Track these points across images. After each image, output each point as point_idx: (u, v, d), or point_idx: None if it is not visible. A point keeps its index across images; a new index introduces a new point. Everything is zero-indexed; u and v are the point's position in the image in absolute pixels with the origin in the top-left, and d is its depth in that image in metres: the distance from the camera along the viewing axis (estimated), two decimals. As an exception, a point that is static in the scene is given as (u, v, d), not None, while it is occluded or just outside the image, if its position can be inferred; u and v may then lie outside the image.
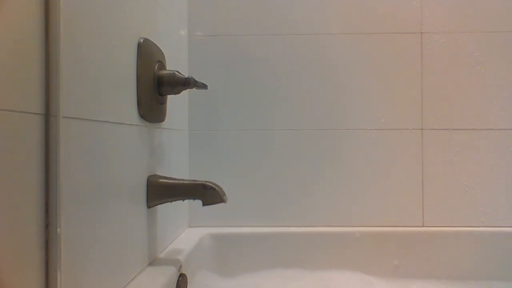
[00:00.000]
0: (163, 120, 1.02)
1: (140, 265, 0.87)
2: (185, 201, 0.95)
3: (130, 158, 0.82)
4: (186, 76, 0.96)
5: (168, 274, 0.87)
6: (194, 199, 0.92)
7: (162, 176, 0.96)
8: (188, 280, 0.97)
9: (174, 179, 0.95)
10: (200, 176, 1.30)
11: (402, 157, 1.35)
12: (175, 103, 1.14)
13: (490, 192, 1.33)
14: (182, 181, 0.94)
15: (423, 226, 1.31)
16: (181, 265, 0.94)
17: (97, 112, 0.67)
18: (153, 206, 0.93)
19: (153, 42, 0.94)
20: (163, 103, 1.00)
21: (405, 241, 1.28)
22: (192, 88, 0.96)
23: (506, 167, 1.33)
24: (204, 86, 0.99)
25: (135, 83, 0.85)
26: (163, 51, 1.01)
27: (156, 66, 0.94)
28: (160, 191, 0.93)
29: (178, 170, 1.24)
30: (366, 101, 1.35)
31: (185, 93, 1.21)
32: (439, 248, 1.29)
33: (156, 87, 0.93)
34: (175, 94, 0.99)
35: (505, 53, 1.34)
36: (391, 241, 1.29)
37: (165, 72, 0.95)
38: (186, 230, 1.33)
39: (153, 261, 0.94)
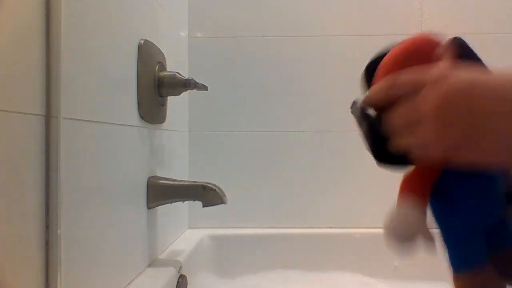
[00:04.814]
0: (163, 121, 1.02)
1: (140, 266, 0.87)
2: (185, 202, 0.95)
3: (130, 159, 0.82)
4: (186, 77, 0.96)
5: (168, 275, 0.87)
6: (194, 200, 0.92)
7: (162, 177, 0.96)
8: (188, 281, 0.97)
9: (174, 180, 0.95)
10: (200, 177, 1.30)
11: (402, 159, 1.35)
12: (175, 104, 1.14)
13: (490, 193, 1.33)
14: (182, 182, 0.94)
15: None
16: (181, 266, 0.94)
17: (98, 113, 0.67)
18: (153, 207, 0.93)
19: (153, 44, 0.94)
20: (163, 104, 1.00)
21: (405, 243, 1.28)
22: (192, 89, 0.97)
23: (506, 168, 1.33)
24: (204, 88, 0.99)
25: (135, 84, 0.85)
26: (163, 52, 1.01)
27: (157, 68, 0.94)
28: (160, 192, 0.93)
29: (178, 171, 1.24)
30: (366, 103, 1.35)
31: (185, 94, 1.21)
32: (439, 250, 1.29)
33: (156, 88, 0.94)
34: (175, 95, 0.99)
35: (505, 55, 1.34)
36: (391, 243, 1.28)
37: (165, 73, 0.96)
38: (186, 231, 1.33)
39: (153, 262, 0.94)
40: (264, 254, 1.30)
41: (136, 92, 0.85)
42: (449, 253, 0.36)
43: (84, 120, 0.62)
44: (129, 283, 0.80)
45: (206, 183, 0.92)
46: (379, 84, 0.40)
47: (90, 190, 0.64)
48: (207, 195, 0.91)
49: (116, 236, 0.74)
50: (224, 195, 0.91)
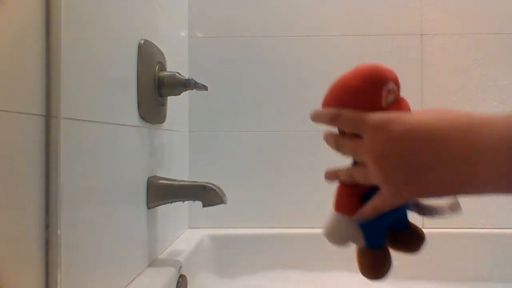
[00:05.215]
0: (163, 121, 1.02)
1: (140, 266, 0.87)
2: (185, 202, 0.95)
3: (130, 159, 0.82)
4: (186, 77, 0.96)
5: (168, 275, 0.87)
6: (194, 200, 0.92)
7: (162, 177, 0.96)
8: (188, 281, 0.97)
9: (174, 180, 0.95)
10: (200, 177, 1.30)
11: (402, 159, 1.34)
12: (175, 104, 1.14)
13: (490, 193, 1.33)
14: (182, 182, 0.94)
15: (423, 228, 1.31)
16: (181, 266, 0.94)
17: (98, 113, 0.67)
18: (153, 207, 0.94)
19: (153, 43, 0.94)
20: (163, 104, 1.00)
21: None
22: (192, 89, 0.97)
23: (506, 168, 1.33)
24: (204, 88, 0.99)
25: (135, 84, 0.85)
26: (163, 52, 1.01)
27: (157, 67, 0.94)
28: (160, 192, 0.93)
29: (178, 171, 1.24)
30: (366, 103, 1.35)
31: (185, 94, 1.21)
32: (439, 249, 1.29)
33: (156, 89, 0.94)
34: (175, 95, 0.99)
35: (505, 54, 1.34)
36: (391, 243, 1.28)
37: (165, 73, 0.96)
38: (186, 231, 1.33)
39: (153, 262, 0.94)
40: (264, 254, 1.30)
41: (136, 92, 0.86)
42: (362, 236, 0.48)
43: (84, 120, 0.62)
44: (129, 283, 0.80)
45: (206, 183, 0.92)
46: (325, 112, 0.46)
47: (90, 190, 0.64)
48: (207, 195, 0.91)
49: (116, 236, 0.74)
50: (224, 195, 0.91)
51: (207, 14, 1.39)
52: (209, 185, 0.91)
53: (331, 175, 0.51)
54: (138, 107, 0.86)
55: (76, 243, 0.59)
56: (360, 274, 0.50)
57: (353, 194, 0.48)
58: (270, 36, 1.37)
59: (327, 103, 0.48)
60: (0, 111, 0.44)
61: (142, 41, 0.88)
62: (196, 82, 0.96)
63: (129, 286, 0.79)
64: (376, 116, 0.41)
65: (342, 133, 0.47)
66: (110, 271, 0.72)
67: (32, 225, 0.50)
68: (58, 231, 0.53)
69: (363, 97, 0.44)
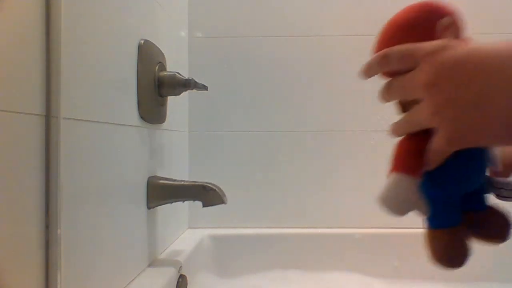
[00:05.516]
0: (163, 121, 1.02)
1: (140, 266, 0.87)
2: (185, 202, 0.95)
3: (130, 159, 0.82)
4: (187, 77, 0.96)
5: (168, 275, 0.87)
6: (194, 200, 0.92)
7: (162, 177, 0.96)
8: (188, 281, 0.97)
9: (174, 180, 0.95)
10: (200, 177, 1.30)
11: (402, 159, 1.34)
12: (175, 104, 1.14)
13: (490, 193, 1.33)
14: (182, 182, 0.94)
15: (423, 228, 1.31)
16: (181, 266, 0.94)
17: (98, 113, 0.67)
18: (153, 207, 0.94)
19: (153, 43, 0.94)
20: (163, 104, 1.00)
21: (405, 243, 1.28)
22: (192, 89, 0.97)
23: (506, 168, 1.33)
24: (204, 88, 0.99)
25: (135, 84, 0.85)
26: (163, 52, 1.01)
27: (157, 67, 0.94)
28: (160, 192, 0.93)
29: (178, 171, 1.24)
30: (367, 103, 1.35)
31: (185, 94, 1.21)
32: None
33: (156, 88, 0.94)
34: (175, 95, 0.99)
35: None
36: (391, 243, 1.29)
37: (165, 73, 0.96)
38: (186, 231, 1.33)
39: (153, 262, 0.94)
40: (264, 254, 1.30)
41: (136, 92, 0.85)
42: (429, 212, 0.41)
43: (84, 120, 0.62)
44: (129, 283, 0.80)
45: (206, 183, 0.92)
46: (374, 56, 0.40)
47: (90, 190, 0.64)
48: (207, 195, 0.91)
49: (116, 236, 0.74)
50: (224, 195, 0.91)
51: (207, 14, 1.39)
52: (209, 185, 0.91)
53: (395, 128, 0.42)
54: (138, 107, 0.86)
55: (76, 243, 0.59)
56: (435, 261, 0.43)
57: (414, 150, 0.40)
58: (270, 36, 1.37)
59: (378, 46, 0.43)
60: (0, 111, 0.44)
61: (142, 41, 0.88)
62: (196, 82, 0.96)
63: (129, 286, 0.79)
64: (432, 43, 0.35)
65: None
66: (110, 271, 0.72)
67: (32, 225, 0.50)
68: (58, 231, 0.53)
69: (415, 30, 0.40)
